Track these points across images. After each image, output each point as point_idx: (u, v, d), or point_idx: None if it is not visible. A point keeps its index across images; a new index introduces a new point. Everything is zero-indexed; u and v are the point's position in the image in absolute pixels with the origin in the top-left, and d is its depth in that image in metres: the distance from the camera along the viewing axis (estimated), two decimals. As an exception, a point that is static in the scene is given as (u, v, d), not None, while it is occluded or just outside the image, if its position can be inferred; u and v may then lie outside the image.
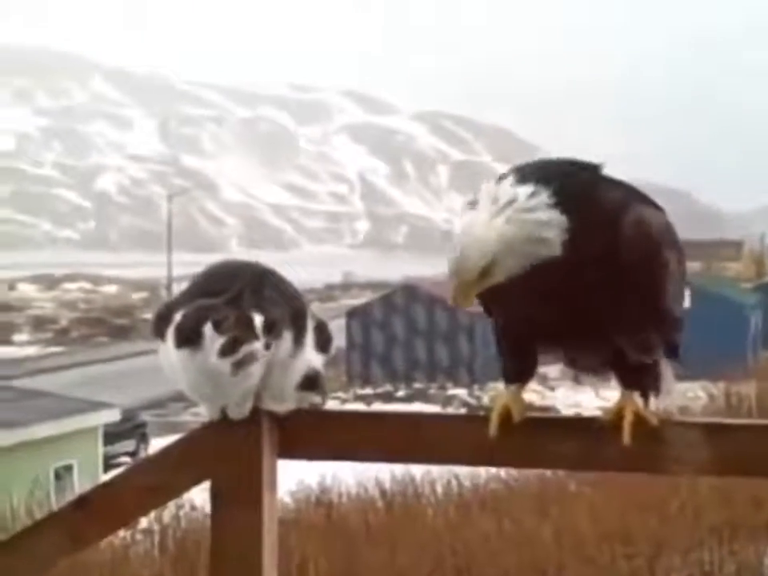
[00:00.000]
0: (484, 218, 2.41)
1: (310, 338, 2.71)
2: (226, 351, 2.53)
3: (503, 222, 2.40)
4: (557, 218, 2.39)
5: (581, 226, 2.39)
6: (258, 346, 2.55)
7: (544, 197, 2.40)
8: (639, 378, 2.61)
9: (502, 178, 2.48)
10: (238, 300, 2.58)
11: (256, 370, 2.59)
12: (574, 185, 2.43)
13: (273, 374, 2.64)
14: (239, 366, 2.55)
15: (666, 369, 2.72)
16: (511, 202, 2.40)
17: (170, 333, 2.60)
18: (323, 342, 2.77)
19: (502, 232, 2.40)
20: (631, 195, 2.49)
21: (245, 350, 2.54)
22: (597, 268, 2.40)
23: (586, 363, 2.75)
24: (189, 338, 2.55)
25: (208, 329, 2.53)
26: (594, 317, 2.46)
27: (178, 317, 2.60)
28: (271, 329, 2.57)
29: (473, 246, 2.41)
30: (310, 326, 2.72)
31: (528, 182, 2.42)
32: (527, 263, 2.41)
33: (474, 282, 2.42)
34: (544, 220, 2.39)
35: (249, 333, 2.54)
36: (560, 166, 2.50)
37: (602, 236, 2.40)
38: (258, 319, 2.56)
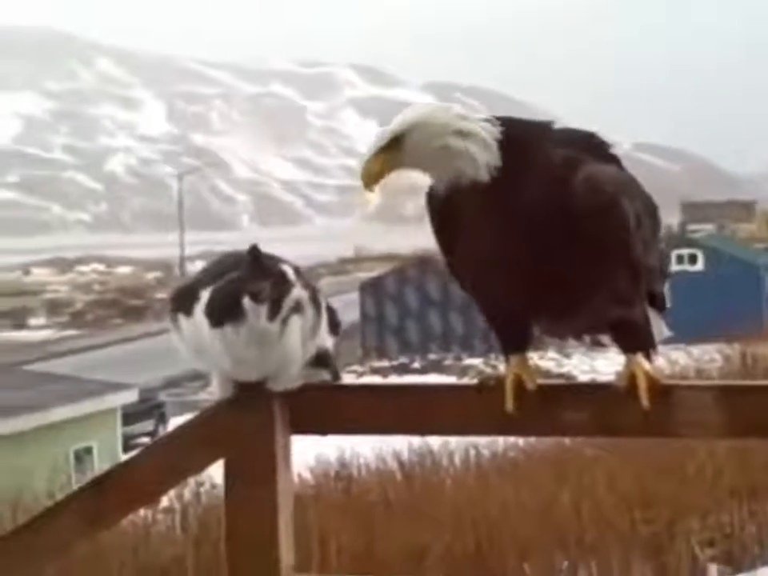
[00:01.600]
0: (432, 107, 2.50)
1: (324, 316, 2.73)
2: (273, 314, 2.56)
3: (443, 113, 2.48)
4: (491, 146, 2.44)
5: (520, 172, 2.43)
6: (297, 291, 2.58)
7: (491, 126, 2.46)
8: (634, 338, 2.60)
9: None
10: (261, 266, 2.60)
11: (296, 324, 2.61)
12: (525, 134, 2.49)
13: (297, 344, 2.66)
14: (287, 319, 2.58)
15: (656, 321, 2.71)
16: (464, 116, 2.48)
17: (201, 311, 2.61)
18: (333, 324, 2.79)
19: (434, 114, 2.47)
20: (585, 153, 2.49)
21: (287, 302, 2.57)
22: (547, 222, 2.41)
23: (569, 327, 2.73)
24: (229, 315, 2.57)
25: (247, 302, 2.56)
26: (560, 276, 2.45)
27: (204, 295, 2.62)
28: (300, 276, 2.63)
29: (400, 114, 2.49)
30: (323, 304, 2.74)
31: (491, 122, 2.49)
32: (445, 170, 2.46)
33: (382, 151, 2.47)
34: (478, 135, 2.45)
35: (286, 286, 2.58)
36: (526, 123, 2.54)
37: (549, 190, 2.41)
38: (289, 269, 2.60)
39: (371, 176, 2.49)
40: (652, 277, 2.62)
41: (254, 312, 2.56)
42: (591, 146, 2.53)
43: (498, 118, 2.50)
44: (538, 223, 2.41)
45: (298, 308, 2.59)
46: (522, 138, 2.47)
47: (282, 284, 2.58)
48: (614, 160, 2.55)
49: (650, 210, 2.57)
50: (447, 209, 2.52)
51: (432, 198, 2.58)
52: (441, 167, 2.48)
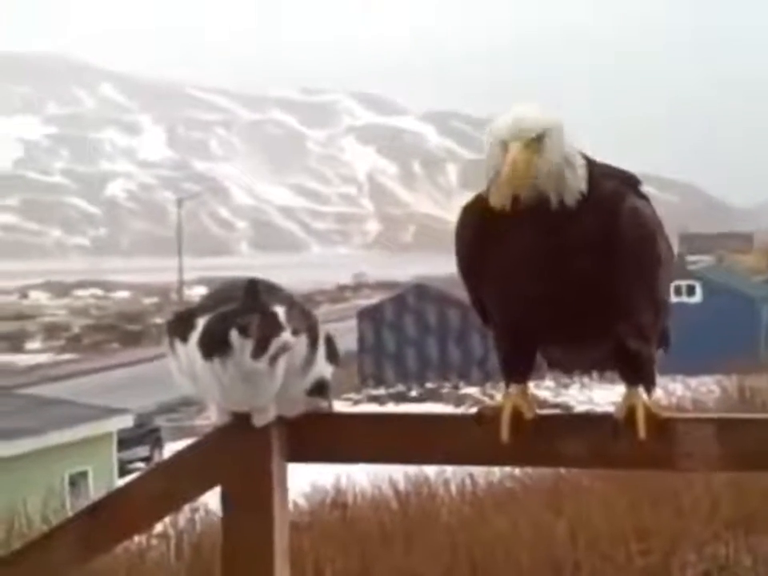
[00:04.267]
0: (555, 114, 2.49)
1: (322, 346, 2.73)
2: (257, 353, 2.54)
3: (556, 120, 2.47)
4: (583, 171, 2.48)
5: (588, 201, 2.46)
6: (286, 335, 2.55)
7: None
8: (641, 372, 2.62)
9: None
10: (255, 300, 2.58)
11: (281, 366, 2.59)
12: (588, 164, 2.52)
13: (289, 377, 2.65)
14: (274, 359, 2.56)
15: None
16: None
17: (194, 340, 2.61)
18: (331, 353, 2.78)
19: (561, 122, 2.47)
20: (625, 185, 2.55)
21: (275, 344, 2.55)
22: (592, 249, 2.45)
23: (581, 359, 2.75)
24: (217, 348, 2.56)
25: (234, 335, 2.54)
26: (592, 303, 2.49)
27: (200, 323, 2.61)
28: (293, 316, 2.59)
29: (530, 111, 2.45)
30: (322, 334, 2.73)
31: None
32: (552, 184, 2.43)
33: (532, 147, 2.41)
34: (577, 156, 2.49)
35: (275, 327, 2.55)
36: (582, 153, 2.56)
37: (599, 219, 2.46)
38: (281, 310, 2.57)
39: (527, 170, 2.42)
40: (667, 314, 2.67)
41: (241, 347, 2.54)
42: (629, 182, 2.58)
43: None
44: (582, 249, 2.44)
45: (285, 350, 2.57)
46: (588, 168, 2.51)
47: (272, 325, 2.55)
48: (646, 198, 2.60)
49: (671, 251, 2.64)
50: (492, 225, 2.50)
51: (473, 211, 2.57)
52: (552, 180, 2.45)
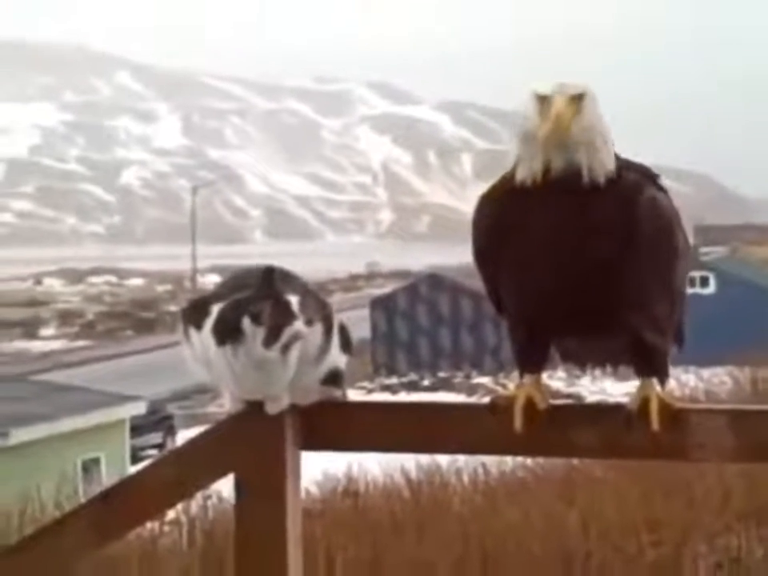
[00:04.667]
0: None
1: (336, 336, 2.73)
2: (269, 341, 2.54)
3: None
4: (613, 153, 2.53)
5: (613, 186, 2.48)
6: (299, 324, 2.55)
7: None
8: (655, 364, 2.61)
9: None
10: (269, 288, 2.58)
11: (295, 355, 2.59)
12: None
13: (303, 366, 2.65)
14: (286, 348, 2.56)
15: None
16: None
17: (209, 327, 2.61)
18: (345, 342, 2.78)
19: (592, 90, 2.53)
20: (645, 178, 2.57)
21: (287, 332, 2.54)
22: (612, 236, 2.46)
23: (595, 352, 2.75)
24: (229, 335, 2.56)
25: (246, 323, 2.55)
26: (608, 293, 2.49)
27: (215, 310, 2.61)
28: (307, 306, 2.59)
29: (569, 81, 2.50)
30: (336, 324, 2.73)
31: None
32: (585, 154, 2.46)
33: (574, 105, 2.46)
34: (611, 140, 2.54)
35: (288, 316, 2.55)
36: None
37: (620, 207, 2.47)
38: (294, 299, 2.57)
39: (569, 124, 2.45)
40: (684, 307, 2.67)
41: (253, 334, 2.55)
42: (648, 175, 2.59)
43: None
44: (603, 234, 2.46)
45: (297, 339, 2.57)
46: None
47: (285, 313, 2.55)
48: (665, 191, 2.61)
49: (688, 244, 2.65)
50: (511, 211, 2.52)
51: (492, 199, 2.58)
52: (585, 148, 2.48)
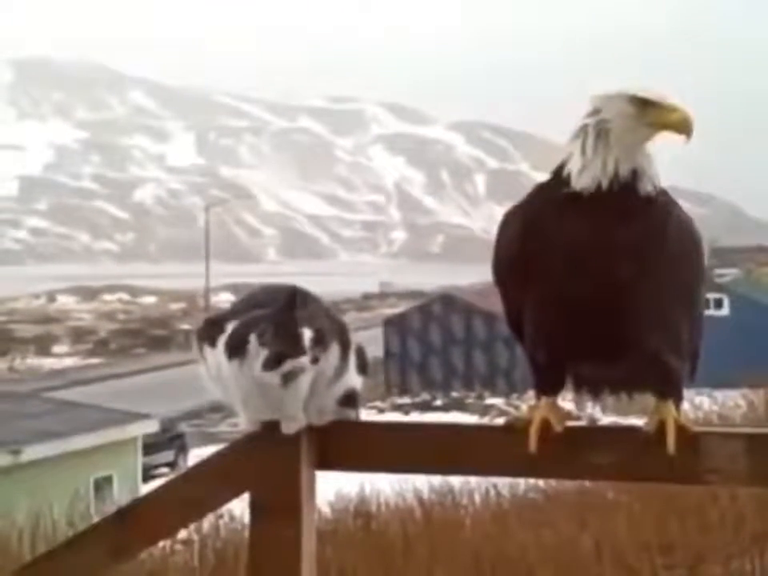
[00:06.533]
0: None
1: (352, 357, 2.73)
2: (269, 365, 2.54)
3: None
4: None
5: (651, 203, 2.48)
6: (304, 360, 2.54)
7: None
8: (672, 387, 2.61)
9: None
10: (287, 312, 2.57)
11: (305, 383, 2.59)
12: None
13: (320, 387, 2.65)
14: (288, 379, 2.55)
15: None
16: None
17: (222, 344, 2.62)
18: (361, 364, 2.78)
19: None
20: (672, 201, 2.57)
21: (290, 364, 2.54)
22: (640, 254, 2.45)
23: (611, 377, 2.72)
24: (236, 349, 2.57)
25: (253, 339, 2.55)
26: (630, 312, 2.48)
27: (229, 327, 2.62)
28: (320, 341, 2.57)
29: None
30: (353, 345, 2.74)
31: None
32: (648, 163, 2.49)
33: None
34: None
35: (295, 347, 2.53)
36: None
37: (651, 227, 2.47)
38: (308, 334, 2.55)
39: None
40: (701, 331, 2.67)
41: (256, 352, 2.55)
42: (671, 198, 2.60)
43: None
44: (634, 251, 2.45)
45: (298, 374, 2.56)
46: None
47: (293, 345, 2.53)
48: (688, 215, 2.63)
49: (705, 270, 2.66)
50: (536, 225, 2.51)
51: (516, 215, 2.58)
52: (647, 158, 2.52)
